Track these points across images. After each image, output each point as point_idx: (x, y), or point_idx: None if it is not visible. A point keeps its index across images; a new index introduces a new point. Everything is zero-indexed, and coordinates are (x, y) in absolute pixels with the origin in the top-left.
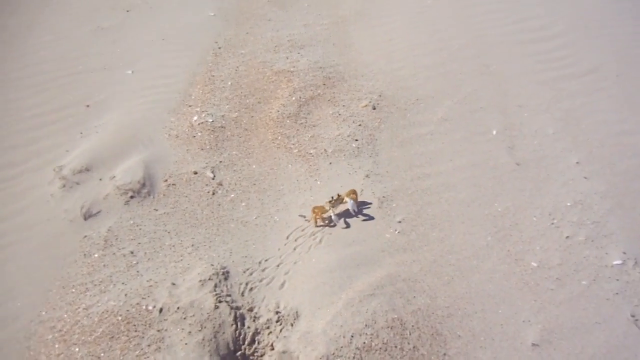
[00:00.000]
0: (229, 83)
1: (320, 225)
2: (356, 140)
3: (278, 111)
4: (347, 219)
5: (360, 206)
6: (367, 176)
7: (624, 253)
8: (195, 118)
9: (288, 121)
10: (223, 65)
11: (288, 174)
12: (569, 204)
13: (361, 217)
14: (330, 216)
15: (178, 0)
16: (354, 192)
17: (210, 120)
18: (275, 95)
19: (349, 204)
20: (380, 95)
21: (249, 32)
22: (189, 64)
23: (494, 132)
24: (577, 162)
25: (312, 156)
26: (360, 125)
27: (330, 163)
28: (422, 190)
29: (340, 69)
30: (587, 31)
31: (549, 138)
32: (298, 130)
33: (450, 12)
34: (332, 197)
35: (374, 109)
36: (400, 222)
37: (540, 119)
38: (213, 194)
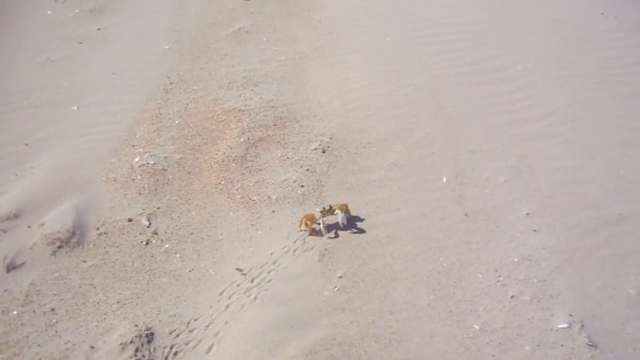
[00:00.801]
0: (177, 122)
1: (312, 235)
2: (302, 186)
3: (224, 153)
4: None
5: (353, 221)
6: None
7: (570, 315)
8: (136, 159)
9: (233, 164)
10: (173, 102)
11: (229, 222)
12: (516, 259)
13: (299, 275)
14: (320, 228)
15: (134, 32)
16: (345, 205)
17: (152, 162)
18: (223, 136)
19: (339, 217)
20: (331, 138)
21: (204, 67)
22: (138, 101)
23: (445, 180)
24: (528, 214)
25: (255, 203)
26: (308, 169)
27: (273, 211)
28: (366, 242)
29: (294, 108)
30: (546, 73)
31: (500, 187)
32: (243, 174)
33: (409, 50)
34: (324, 208)
35: (324, 152)
36: (340, 277)
37: (493, 166)
38: (146, 243)
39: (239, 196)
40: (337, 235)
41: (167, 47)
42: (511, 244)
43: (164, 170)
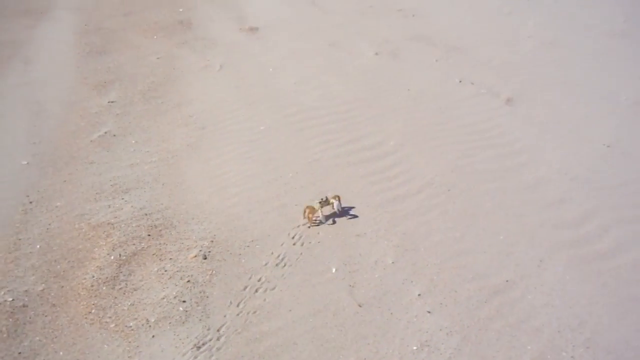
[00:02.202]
0: (38, 246)
1: (313, 224)
2: (184, 301)
3: (93, 276)
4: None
5: (345, 208)
6: (196, 347)
7: None
8: None
9: (104, 288)
10: (33, 224)
11: (102, 357)
12: (415, 347)
13: None
14: (319, 217)
15: None
16: (338, 196)
17: (10, 299)
18: (91, 256)
19: (334, 205)
20: (212, 241)
21: (67, 179)
22: None
23: (334, 270)
24: (419, 295)
25: (132, 330)
26: (189, 281)
27: (154, 336)
28: (259, 356)
29: (169, 213)
30: (416, 145)
31: (389, 269)
32: (116, 298)
33: (285, 137)
34: (322, 199)
35: (205, 258)
36: None
37: (380, 248)
38: None
39: (113, 324)
40: (334, 222)
41: (26, 163)
42: (408, 330)
43: (24, 306)
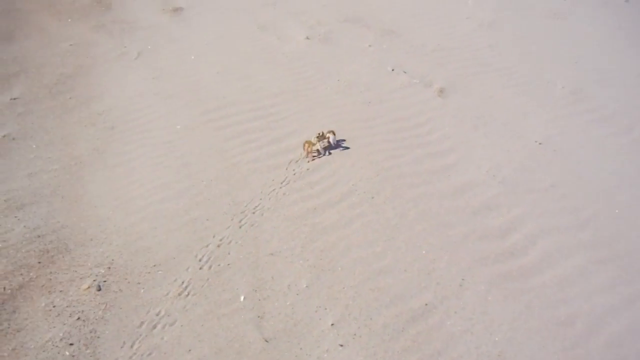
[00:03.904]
0: None
1: (314, 157)
2: (71, 344)
3: None
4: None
5: (338, 141)
6: None
7: None
8: None
9: None
10: None
11: None
12: None
13: None
14: (318, 149)
15: None
16: (333, 131)
17: None
18: None
19: (330, 139)
20: (109, 268)
21: None
22: None
23: (242, 298)
24: (333, 324)
25: None
26: (79, 318)
27: None
28: None
29: (66, 233)
30: (343, 144)
31: (302, 294)
32: None
33: (202, 137)
34: (319, 133)
35: (99, 290)
36: None
37: (294, 269)
38: None
39: None
40: (330, 154)
41: None
42: None
43: None
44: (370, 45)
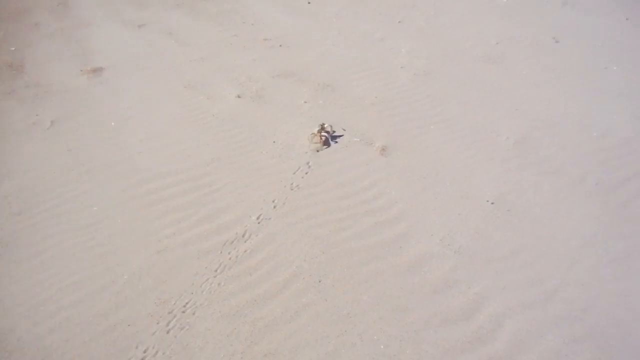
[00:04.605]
0: None
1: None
2: None
3: None
4: None
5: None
6: None
7: None
8: None
9: None
10: None
11: None
12: None
13: None
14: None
15: None
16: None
17: None
18: None
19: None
20: None
21: None
22: None
23: None
24: None
25: None
26: None
27: None
28: None
29: None
30: (283, 218)
31: None
32: None
33: (123, 219)
34: (320, 126)
35: None
36: None
37: None
38: None
39: None
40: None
41: None
42: None
43: None
44: (305, 102)
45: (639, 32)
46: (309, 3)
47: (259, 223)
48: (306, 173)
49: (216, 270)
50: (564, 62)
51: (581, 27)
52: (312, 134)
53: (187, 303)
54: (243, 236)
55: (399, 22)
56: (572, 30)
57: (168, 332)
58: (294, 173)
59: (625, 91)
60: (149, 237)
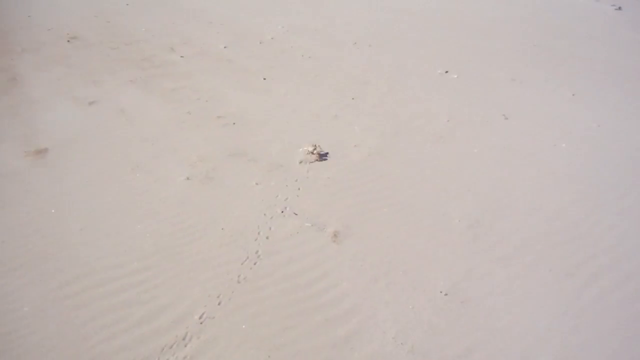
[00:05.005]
0: None
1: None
2: None
3: None
4: None
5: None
6: None
7: None
8: None
9: None
10: None
11: None
12: None
13: None
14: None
15: None
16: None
17: None
18: None
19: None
20: None
21: None
22: None
23: None
24: None
25: None
26: None
27: None
28: None
29: None
30: (227, 317)
31: None
32: None
33: (54, 323)
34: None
35: None
36: None
37: None
38: None
39: None
40: None
41: None
42: None
43: None
44: (257, 183)
45: (584, 109)
46: (264, 79)
47: (201, 323)
48: (254, 263)
49: None
50: (514, 140)
51: (529, 104)
52: (308, 150)
53: None
54: (183, 339)
55: (353, 98)
56: (521, 107)
57: None
58: (242, 263)
59: (573, 170)
60: (81, 343)
